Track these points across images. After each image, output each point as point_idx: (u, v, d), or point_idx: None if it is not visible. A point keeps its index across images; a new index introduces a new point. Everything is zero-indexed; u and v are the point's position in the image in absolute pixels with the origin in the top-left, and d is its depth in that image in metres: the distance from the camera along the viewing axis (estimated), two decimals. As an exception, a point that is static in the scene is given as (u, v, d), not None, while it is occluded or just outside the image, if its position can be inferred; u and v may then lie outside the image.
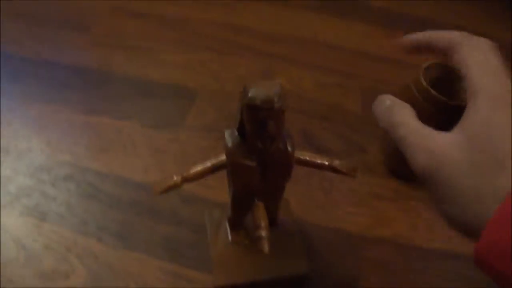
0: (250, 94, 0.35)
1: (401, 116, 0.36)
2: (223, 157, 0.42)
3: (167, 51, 0.81)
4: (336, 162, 0.44)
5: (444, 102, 0.49)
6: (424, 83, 0.51)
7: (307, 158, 0.44)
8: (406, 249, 0.57)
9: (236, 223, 0.51)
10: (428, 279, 0.54)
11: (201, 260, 0.54)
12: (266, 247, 0.41)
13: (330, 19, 0.90)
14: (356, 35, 0.87)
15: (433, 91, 0.50)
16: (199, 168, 0.43)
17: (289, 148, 0.40)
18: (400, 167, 0.62)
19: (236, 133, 0.40)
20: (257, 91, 0.35)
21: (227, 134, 0.41)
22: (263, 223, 0.43)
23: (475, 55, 0.33)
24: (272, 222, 0.50)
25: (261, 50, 0.82)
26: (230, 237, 0.52)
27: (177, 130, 0.68)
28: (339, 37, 0.86)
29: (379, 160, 0.66)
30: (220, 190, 0.59)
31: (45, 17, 0.87)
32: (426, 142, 0.32)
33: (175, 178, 0.43)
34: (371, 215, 0.60)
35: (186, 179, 0.43)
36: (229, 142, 0.40)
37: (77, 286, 0.52)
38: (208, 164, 0.43)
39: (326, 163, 0.44)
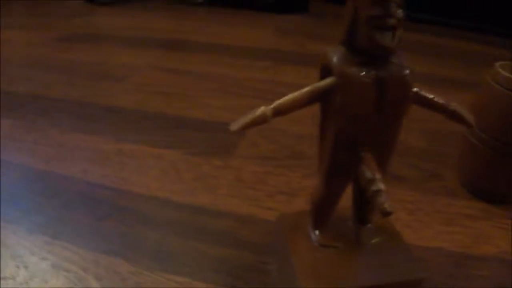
0: None
1: None
2: (325, 81, 0.30)
3: (210, 97, 0.72)
4: (455, 104, 0.33)
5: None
6: (505, 73, 0.47)
7: (426, 94, 0.33)
8: None
9: (328, 206, 0.36)
10: None
11: (264, 283, 0.40)
12: (387, 202, 0.28)
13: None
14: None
15: None
16: (294, 94, 0.30)
17: (406, 68, 0.30)
18: (484, 185, 0.52)
19: (342, 48, 0.30)
20: None
21: (329, 50, 0.30)
22: (378, 175, 0.30)
23: None
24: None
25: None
26: (317, 239, 0.37)
27: (227, 158, 0.56)
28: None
29: (458, 184, 0.54)
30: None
31: (83, 70, 0.81)
32: None
33: (262, 108, 0.30)
34: (467, 233, 0.47)
35: (279, 110, 0.30)
36: (335, 57, 0.29)
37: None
38: (306, 89, 0.30)
39: (445, 104, 0.33)
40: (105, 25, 1.09)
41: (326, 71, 0.30)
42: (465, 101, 0.46)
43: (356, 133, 0.31)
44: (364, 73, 0.28)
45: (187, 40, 1.00)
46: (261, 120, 0.30)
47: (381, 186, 0.29)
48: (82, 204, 0.48)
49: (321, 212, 0.37)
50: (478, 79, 0.51)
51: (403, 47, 0.29)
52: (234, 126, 0.30)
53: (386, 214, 0.28)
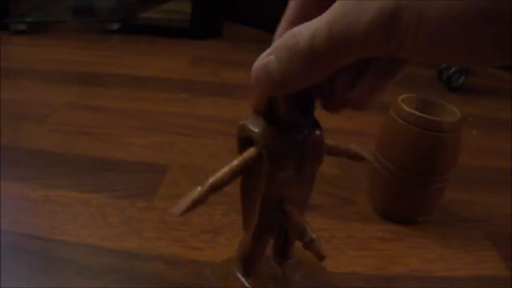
0: None
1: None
2: (250, 152, 0.33)
3: (131, 136, 0.74)
4: (354, 147, 0.39)
5: (430, 120, 0.50)
6: (406, 108, 0.52)
7: (331, 144, 0.38)
8: (428, 281, 0.50)
9: (257, 256, 0.40)
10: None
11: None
12: (323, 250, 0.33)
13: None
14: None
15: (417, 112, 0.51)
16: (226, 169, 0.32)
17: (319, 127, 0.35)
18: (394, 210, 0.58)
19: (260, 119, 0.33)
20: None
21: (247, 122, 0.33)
22: (308, 226, 0.34)
23: None
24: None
25: (229, 132, 0.76)
26: (250, 285, 0.40)
27: (151, 199, 0.59)
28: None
29: (370, 209, 0.60)
30: (209, 251, 0.51)
31: (2, 110, 0.79)
32: None
33: (199, 188, 0.32)
34: (380, 256, 0.53)
35: (214, 187, 0.32)
36: (256, 129, 0.33)
37: None
38: (235, 163, 0.33)
39: (347, 148, 0.39)
40: (21, 58, 1.07)
41: (246, 142, 0.33)
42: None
43: (281, 193, 0.35)
44: (286, 141, 0.33)
45: (104, 74, 1.01)
46: (200, 200, 0.32)
47: (313, 235, 0.34)
48: (17, 258, 0.49)
49: (251, 261, 0.41)
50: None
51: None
52: (177, 211, 0.32)
53: (322, 258, 0.33)
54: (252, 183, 0.35)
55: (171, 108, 0.86)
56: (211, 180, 0.32)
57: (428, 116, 0.51)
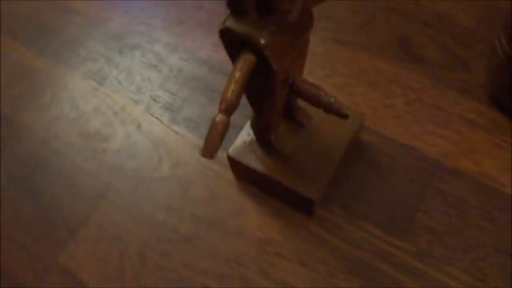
0: None
1: None
2: (249, 59, 0.28)
3: None
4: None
5: None
6: None
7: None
8: (490, 192, 0.41)
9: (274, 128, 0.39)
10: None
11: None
12: (344, 108, 0.33)
13: None
14: None
15: None
16: (232, 86, 0.27)
17: None
18: (505, 95, 0.45)
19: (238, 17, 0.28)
20: None
21: (229, 25, 0.28)
22: (322, 91, 0.33)
23: None
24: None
25: None
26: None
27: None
28: None
29: (482, 83, 0.49)
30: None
31: None
32: None
33: (217, 119, 0.27)
34: (456, 140, 0.45)
35: (231, 109, 0.27)
36: (248, 30, 0.27)
37: (112, 148, 0.48)
38: (238, 75, 0.27)
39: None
40: None
41: (236, 44, 0.29)
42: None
43: (288, 72, 0.32)
44: (281, 27, 0.29)
45: None
46: (226, 130, 0.27)
47: (331, 98, 0.33)
48: (131, 53, 0.56)
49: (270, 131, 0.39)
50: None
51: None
52: (209, 154, 0.27)
53: (346, 117, 0.33)
54: (255, 81, 0.31)
55: None
56: (223, 105, 0.27)
57: None
